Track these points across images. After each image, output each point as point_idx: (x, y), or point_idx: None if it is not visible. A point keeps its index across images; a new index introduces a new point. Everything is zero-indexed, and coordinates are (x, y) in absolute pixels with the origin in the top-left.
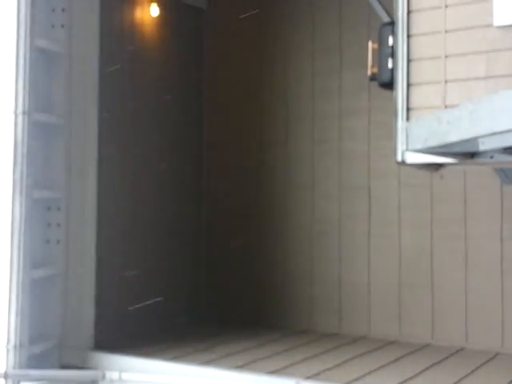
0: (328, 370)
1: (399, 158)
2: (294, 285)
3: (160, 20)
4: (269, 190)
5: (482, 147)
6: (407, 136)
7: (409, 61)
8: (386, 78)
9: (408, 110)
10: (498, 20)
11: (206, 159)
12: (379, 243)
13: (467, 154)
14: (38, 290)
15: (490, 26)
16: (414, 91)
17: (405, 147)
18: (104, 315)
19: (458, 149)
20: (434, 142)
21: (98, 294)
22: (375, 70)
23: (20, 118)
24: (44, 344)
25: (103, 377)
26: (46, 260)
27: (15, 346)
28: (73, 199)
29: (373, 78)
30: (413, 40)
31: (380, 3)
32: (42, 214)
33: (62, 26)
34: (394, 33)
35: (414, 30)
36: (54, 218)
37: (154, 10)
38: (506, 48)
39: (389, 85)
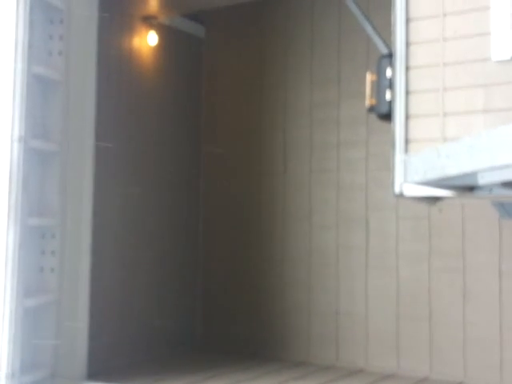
0: None
1: (397, 191)
2: (292, 316)
3: (158, 48)
4: (267, 219)
5: (481, 181)
6: (405, 168)
7: (407, 93)
8: (384, 109)
9: (406, 142)
10: (496, 55)
11: (204, 188)
12: (377, 275)
13: (466, 187)
14: (31, 318)
15: (488, 59)
16: (412, 123)
17: (403, 179)
18: (98, 345)
19: (456, 182)
20: (432, 175)
21: (91, 324)
22: (373, 101)
23: (16, 144)
24: (36, 373)
25: None
26: (39, 288)
27: (7, 375)
28: (68, 227)
29: (371, 109)
30: (411, 72)
31: (379, 35)
32: (37, 241)
33: (60, 54)
34: (392, 65)
35: (412, 63)
36: (48, 246)
37: (152, 38)
38: (504, 82)
39: (387, 116)
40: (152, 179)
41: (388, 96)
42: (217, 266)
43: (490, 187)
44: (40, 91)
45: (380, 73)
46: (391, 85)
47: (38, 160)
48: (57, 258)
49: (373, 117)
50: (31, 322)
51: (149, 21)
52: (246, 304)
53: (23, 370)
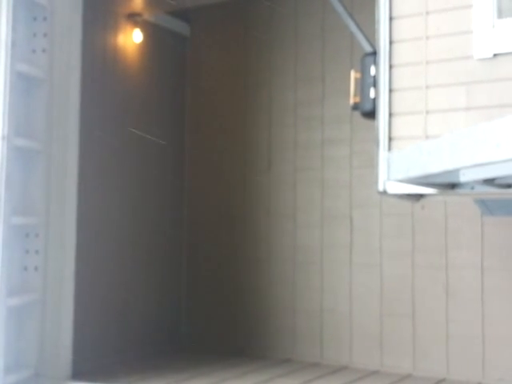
0: None
1: (380, 188)
2: (277, 313)
3: (143, 45)
4: (252, 218)
5: (462, 178)
6: (389, 166)
7: (390, 91)
8: (368, 107)
9: (390, 139)
10: (479, 53)
11: (188, 187)
12: (361, 272)
13: (448, 184)
14: (15, 317)
15: (470, 57)
16: (396, 121)
17: (386, 177)
18: (82, 344)
19: (439, 179)
20: (415, 173)
21: (76, 323)
22: (357, 99)
23: None
24: (20, 373)
25: None
26: (23, 287)
27: None
28: (51, 226)
29: (355, 107)
30: (394, 70)
31: (362, 33)
32: (20, 240)
33: (44, 51)
34: (376, 63)
35: (395, 61)
36: (32, 245)
37: (137, 36)
38: (486, 80)
39: (371, 114)
40: (136, 178)
41: (372, 94)
42: (202, 264)
43: (471, 184)
44: (24, 89)
45: (364, 71)
46: (375, 83)
47: (21, 158)
48: (41, 257)
49: (357, 115)
50: (15, 321)
51: (134, 18)
52: (231, 302)
53: (7, 369)
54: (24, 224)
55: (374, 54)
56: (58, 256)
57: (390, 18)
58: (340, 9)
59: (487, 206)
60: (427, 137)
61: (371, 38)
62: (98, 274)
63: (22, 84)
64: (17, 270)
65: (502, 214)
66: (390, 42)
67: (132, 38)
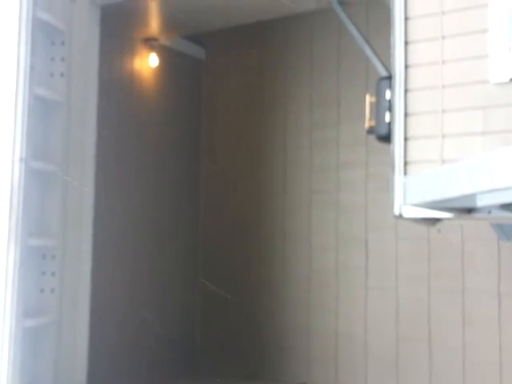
0: None
1: (396, 212)
2: (292, 337)
3: (159, 69)
4: (267, 240)
5: (479, 203)
6: (405, 190)
7: (406, 115)
8: (383, 131)
9: (405, 163)
10: (495, 77)
11: (203, 209)
12: (376, 296)
13: (465, 209)
14: (31, 339)
15: (486, 82)
16: (411, 145)
17: (402, 201)
18: (97, 366)
19: (455, 204)
20: (431, 197)
21: (91, 345)
22: (373, 123)
23: (17, 165)
24: None
25: None
26: (39, 309)
27: None
28: (68, 248)
29: (370, 131)
30: (410, 94)
31: (378, 57)
32: (37, 262)
33: (61, 75)
34: (391, 87)
35: (411, 85)
36: (48, 267)
37: (153, 60)
38: (502, 104)
39: (386, 138)
40: (152, 200)
41: (387, 118)
42: (216, 285)
43: (488, 209)
44: (41, 112)
45: (379, 95)
46: (390, 107)
47: (38, 181)
48: (57, 278)
49: (372, 138)
50: (31, 342)
51: (150, 42)
52: (245, 324)
53: None
54: (41, 246)
55: (390, 78)
56: (74, 278)
57: (406, 43)
58: (355, 33)
59: (504, 231)
60: (443, 161)
61: (386, 63)
62: (113, 297)
63: (40, 107)
64: (33, 292)
65: None
66: (406, 67)
67: (148, 62)
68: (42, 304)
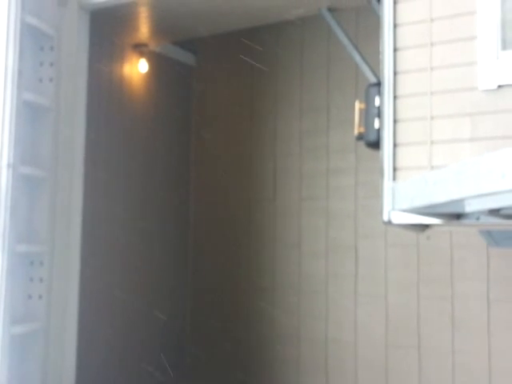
0: None
1: (385, 218)
2: (282, 343)
3: (148, 75)
4: (257, 247)
5: (467, 208)
6: (393, 196)
7: (395, 121)
8: (372, 137)
9: (394, 169)
10: (483, 84)
11: (193, 215)
12: (366, 302)
13: (453, 215)
14: (18, 345)
15: (475, 89)
16: (400, 151)
17: (391, 207)
18: (86, 372)
19: (444, 209)
20: (420, 203)
21: (79, 351)
22: (362, 129)
23: (5, 171)
24: None
25: None
26: (27, 315)
27: None
28: (56, 253)
29: (360, 137)
30: (399, 101)
31: (367, 64)
32: (25, 268)
33: (50, 80)
34: (380, 93)
35: (400, 91)
36: (36, 273)
37: (143, 66)
38: (490, 111)
39: (375, 144)
40: (142, 207)
41: (376, 124)
42: (206, 292)
43: (476, 215)
44: (30, 117)
45: (368, 101)
46: (379, 113)
47: (26, 186)
48: (45, 285)
49: (361, 145)
50: (18, 349)
51: (140, 48)
52: (234, 331)
53: None
54: (29, 252)
55: (379, 84)
56: (62, 284)
57: (395, 49)
58: (345, 40)
59: (493, 237)
60: (432, 167)
61: (376, 69)
62: (101, 303)
63: (29, 112)
64: (21, 298)
65: (508, 245)
66: (395, 73)
67: (138, 68)
68: (30, 310)
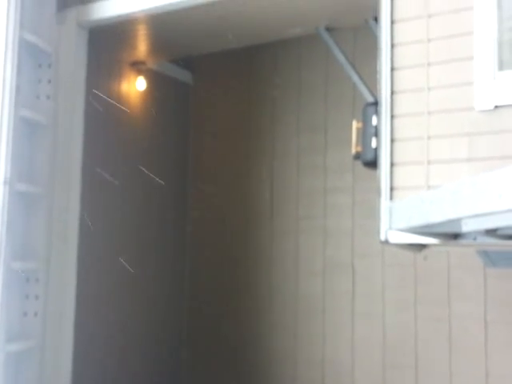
0: None
1: (382, 238)
2: (278, 363)
3: (146, 93)
4: (254, 265)
5: (464, 228)
6: (390, 215)
7: (392, 141)
8: (369, 157)
9: (391, 189)
10: (480, 104)
11: (190, 234)
12: (363, 322)
13: (450, 234)
14: (13, 363)
15: (472, 109)
16: (397, 171)
17: (388, 226)
18: None
19: (441, 229)
20: (416, 222)
21: (74, 369)
22: (359, 148)
23: (1, 187)
24: None
25: None
26: (22, 333)
27: None
28: (52, 270)
29: (357, 156)
30: (396, 120)
31: (364, 84)
32: (21, 285)
33: (48, 97)
34: (377, 113)
35: (397, 111)
36: (32, 290)
37: (141, 84)
38: (487, 131)
39: (373, 164)
40: (138, 224)
41: (374, 143)
42: (203, 311)
43: (474, 235)
44: (27, 134)
45: (366, 120)
46: (377, 132)
47: (23, 203)
48: (40, 302)
49: (359, 164)
50: (13, 367)
51: (137, 66)
52: (231, 350)
53: None
54: (24, 268)
55: (376, 104)
56: (58, 301)
57: (392, 69)
58: (342, 59)
59: (490, 258)
60: (429, 187)
61: (373, 88)
62: (97, 321)
63: (26, 129)
64: (16, 316)
65: (505, 266)
66: (392, 93)
67: (135, 86)
68: (25, 328)
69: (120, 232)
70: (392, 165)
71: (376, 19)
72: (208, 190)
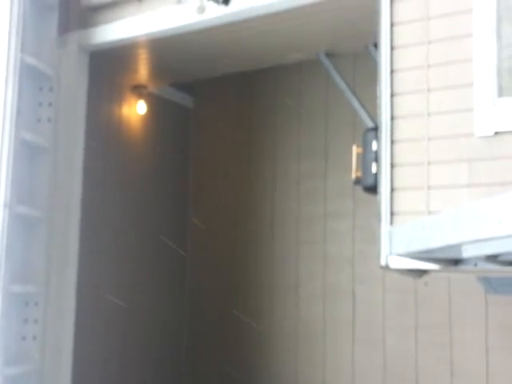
0: None
1: (383, 263)
2: None
3: (147, 117)
4: (254, 290)
5: (465, 254)
6: (390, 240)
7: (392, 166)
8: (370, 182)
9: (392, 214)
10: (480, 130)
11: (190, 255)
12: (364, 348)
13: (451, 260)
14: None
15: (471, 135)
16: (398, 196)
17: (388, 251)
18: None
19: (441, 254)
20: (416, 247)
21: None
22: (359, 173)
23: (1, 210)
24: None
25: None
26: (21, 357)
27: None
28: (51, 294)
29: (357, 181)
30: (396, 146)
31: (365, 108)
32: (19, 309)
33: (49, 120)
34: (377, 138)
35: (397, 136)
36: (31, 314)
37: (142, 107)
38: (487, 157)
39: (373, 189)
40: (137, 247)
41: (374, 169)
42: (202, 336)
43: (474, 261)
44: (27, 157)
45: (366, 146)
46: (377, 158)
47: (23, 226)
48: (40, 326)
49: (359, 189)
50: None
51: (138, 90)
52: (232, 377)
53: None
54: (23, 292)
55: (376, 129)
56: (57, 326)
57: (392, 95)
58: (343, 85)
59: (491, 284)
60: (429, 212)
61: (373, 114)
62: (96, 345)
63: (26, 152)
64: (15, 339)
65: (506, 292)
66: (392, 118)
67: (136, 110)
68: (24, 352)
69: (119, 257)
70: (392, 190)
71: (376, 45)
72: (208, 214)
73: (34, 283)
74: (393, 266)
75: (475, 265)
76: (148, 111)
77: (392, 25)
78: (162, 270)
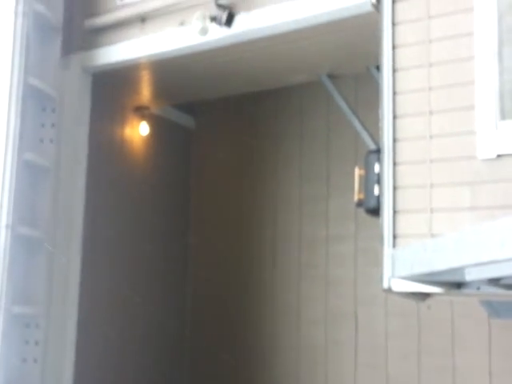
0: None
1: (385, 286)
2: None
3: (149, 138)
4: (255, 313)
5: (467, 277)
6: (393, 263)
7: (394, 188)
8: (372, 204)
9: (394, 237)
10: (482, 153)
11: (191, 280)
12: (366, 372)
13: (453, 284)
14: None
15: (474, 158)
16: (400, 218)
17: (391, 274)
18: None
19: (444, 278)
20: (419, 270)
21: None
22: (362, 196)
23: (3, 231)
24: None
25: None
26: (21, 379)
27: None
28: (53, 316)
29: (359, 204)
30: (398, 168)
31: (366, 130)
32: (20, 330)
33: (51, 141)
34: (379, 160)
35: (399, 158)
36: (32, 336)
37: (144, 129)
38: (489, 180)
39: (375, 211)
40: (140, 269)
41: (376, 191)
42: (203, 359)
43: (477, 284)
44: (30, 178)
45: (368, 168)
46: (379, 180)
47: (24, 247)
48: (40, 348)
49: (361, 211)
50: None
51: (141, 111)
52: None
53: None
54: (25, 314)
55: (378, 151)
56: (58, 348)
57: (394, 117)
58: (344, 106)
59: (494, 308)
60: (432, 235)
61: (375, 136)
62: (97, 368)
63: (29, 173)
64: (15, 362)
65: (509, 316)
66: (394, 140)
67: (139, 131)
68: (24, 374)
69: (120, 277)
70: (394, 212)
71: (378, 67)
72: (209, 236)
73: (35, 305)
74: (395, 289)
75: (478, 288)
76: (150, 132)
77: (394, 47)
78: (166, 293)
